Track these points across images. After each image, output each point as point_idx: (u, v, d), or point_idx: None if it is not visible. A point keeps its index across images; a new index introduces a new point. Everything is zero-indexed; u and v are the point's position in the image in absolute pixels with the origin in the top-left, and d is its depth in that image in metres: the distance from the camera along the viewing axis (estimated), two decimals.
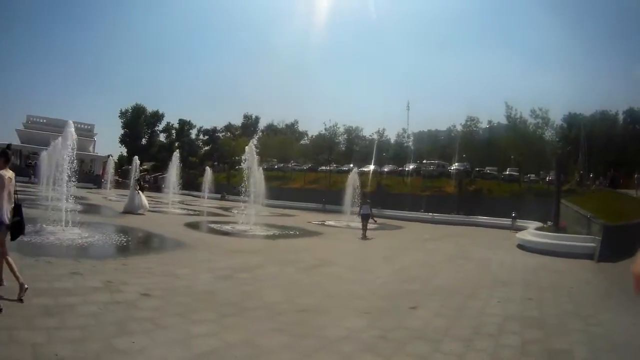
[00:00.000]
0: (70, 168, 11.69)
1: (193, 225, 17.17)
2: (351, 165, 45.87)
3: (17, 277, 4.91)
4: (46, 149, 31.04)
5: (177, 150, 34.95)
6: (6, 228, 4.99)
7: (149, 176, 30.30)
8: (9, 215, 5.00)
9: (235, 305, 5.72)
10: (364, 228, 16.77)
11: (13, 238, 5.26)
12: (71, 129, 12.29)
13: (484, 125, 53.12)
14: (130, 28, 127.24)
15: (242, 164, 19.45)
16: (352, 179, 26.54)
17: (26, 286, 4.90)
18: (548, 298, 7.52)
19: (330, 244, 14.98)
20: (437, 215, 30.45)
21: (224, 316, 5.19)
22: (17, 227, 5.20)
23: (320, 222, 23.67)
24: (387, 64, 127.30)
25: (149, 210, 20.15)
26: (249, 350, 4.17)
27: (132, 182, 21.77)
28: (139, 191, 19.97)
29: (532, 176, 42.28)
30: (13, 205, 5.13)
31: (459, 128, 52.89)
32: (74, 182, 12.06)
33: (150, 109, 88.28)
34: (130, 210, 19.09)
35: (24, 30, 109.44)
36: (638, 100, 52.36)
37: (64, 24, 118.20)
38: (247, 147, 18.89)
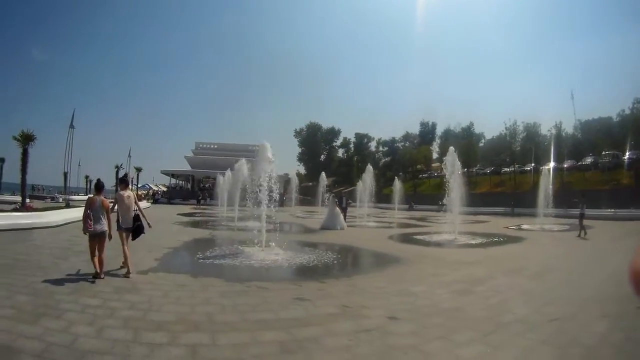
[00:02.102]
0: (268, 189, 11.85)
1: (398, 238, 17.35)
2: (532, 164, 49.32)
3: (128, 265, 7.67)
4: (220, 172, 35.87)
5: (369, 165, 36.22)
6: (125, 230, 7.95)
7: (332, 193, 32.32)
8: (128, 222, 7.98)
9: (491, 321, 5.55)
10: (582, 227, 18.16)
11: (134, 238, 8.17)
12: (268, 151, 12.77)
13: None
14: (297, 51, 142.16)
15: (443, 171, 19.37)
16: (545, 180, 27.49)
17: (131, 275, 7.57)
18: None
19: (539, 248, 15.03)
20: (619, 211, 30.53)
21: (486, 334, 4.96)
22: (137, 229, 8.11)
23: (516, 227, 24.30)
24: (540, 54, 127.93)
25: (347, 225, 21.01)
26: None
27: (330, 199, 23.18)
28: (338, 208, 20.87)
29: None
30: (134, 214, 8.08)
31: (628, 112, 49.51)
32: (266, 202, 11.91)
33: (325, 126, 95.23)
34: (329, 226, 19.95)
35: (193, 65, 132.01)
36: None
37: (228, 56, 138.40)
38: (448, 155, 19.21)
